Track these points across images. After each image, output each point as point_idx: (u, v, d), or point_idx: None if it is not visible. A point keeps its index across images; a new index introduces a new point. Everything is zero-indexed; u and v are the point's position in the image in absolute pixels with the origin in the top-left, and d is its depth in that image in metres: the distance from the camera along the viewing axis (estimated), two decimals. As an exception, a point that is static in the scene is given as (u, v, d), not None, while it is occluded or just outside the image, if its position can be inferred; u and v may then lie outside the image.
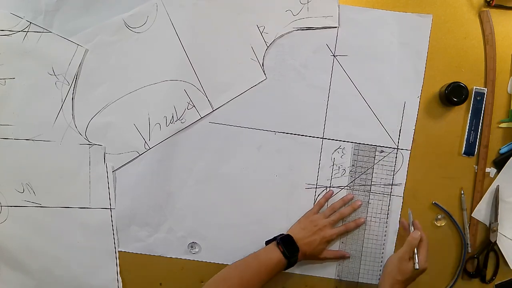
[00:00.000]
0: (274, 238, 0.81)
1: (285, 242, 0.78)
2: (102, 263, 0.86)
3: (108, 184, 0.84)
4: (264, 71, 0.84)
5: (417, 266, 0.73)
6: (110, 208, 0.85)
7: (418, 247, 0.75)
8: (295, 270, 0.87)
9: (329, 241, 0.83)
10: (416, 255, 0.74)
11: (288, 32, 0.84)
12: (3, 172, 0.84)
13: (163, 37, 0.83)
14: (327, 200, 0.85)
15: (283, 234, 0.82)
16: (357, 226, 0.85)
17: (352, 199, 0.85)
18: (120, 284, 0.86)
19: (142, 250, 0.87)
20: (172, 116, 0.84)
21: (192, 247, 0.87)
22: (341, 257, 0.86)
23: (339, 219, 0.84)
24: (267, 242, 0.82)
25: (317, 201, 0.85)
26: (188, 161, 0.85)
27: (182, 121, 0.84)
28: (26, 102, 0.83)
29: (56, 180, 0.84)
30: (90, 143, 0.84)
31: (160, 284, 0.88)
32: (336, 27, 0.83)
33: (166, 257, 0.87)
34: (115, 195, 0.85)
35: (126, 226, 0.86)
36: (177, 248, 0.87)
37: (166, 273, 0.88)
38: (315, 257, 0.82)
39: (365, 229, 0.86)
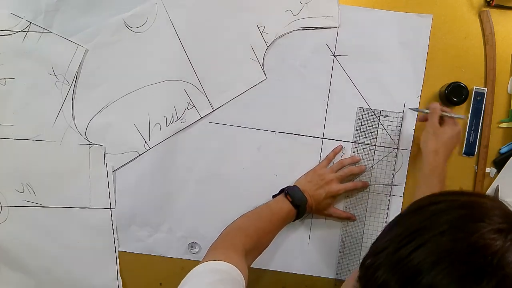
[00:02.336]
0: (281, 191, 0.81)
1: (293, 192, 0.78)
2: (102, 263, 0.86)
3: (108, 184, 0.84)
4: (264, 71, 0.84)
5: (455, 115, 0.76)
6: (110, 208, 0.85)
7: (442, 110, 0.77)
8: (294, 270, 0.87)
9: (335, 196, 0.82)
10: (445, 112, 0.76)
11: (288, 32, 0.84)
12: (3, 172, 0.84)
13: (163, 37, 0.83)
14: (335, 155, 0.85)
15: (290, 186, 0.82)
16: (365, 186, 0.84)
17: (359, 161, 0.85)
18: (120, 284, 0.86)
19: (142, 250, 0.87)
20: (172, 116, 0.84)
21: (192, 247, 0.87)
22: (347, 218, 0.85)
23: (347, 175, 0.83)
24: (274, 197, 0.82)
25: (326, 156, 0.85)
26: (188, 161, 0.85)
27: (182, 121, 0.84)
28: (26, 102, 0.83)
29: (56, 180, 0.84)
30: (90, 143, 0.84)
31: (160, 284, 0.88)
32: (336, 27, 0.83)
33: (166, 257, 0.87)
34: (115, 195, 0.85)
35: (126, 226, 0.86)
36: (177, 248, 0.87)
37: (166, 273, 0.88)
38: (321, 212, 0.82)
39: (364, 228, 0.86)
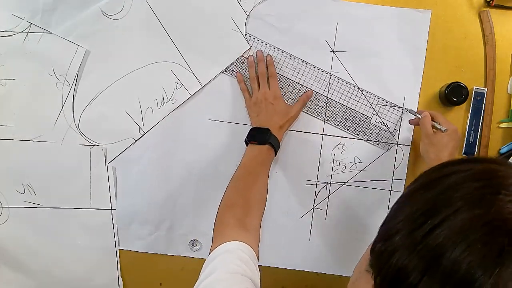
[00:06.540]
0: (245, 142, 0.80)
1: (252, 135, 0.78)
2: (102, 263, 0.86)
3: (109, 184, 0.84)
4: (247, 40, 0.84)
5: (443, 128, 0.75)
6: (111, 208, 0.85)
7: (433, 119, 0.77)
8: (295, 266, 0.87)
9: (279, 95, 0.82)
10: (435, 123, 0.76)
11: None
12: (4, 172, 0.84)
13: (142, 20, 0.82)
14: (243, 82, 0.84)
15: (247, 136, 0.81)
16: (272, 64, 0.83)
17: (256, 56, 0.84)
18: (121, 284, 0.86)
19: (143, 248, 0.87)
20: (163, 98, 0.83)
21: (193, 244, 0.87)
22: (307, 97, 0.84)
23: (265, 79, 0.82)
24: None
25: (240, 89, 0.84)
26: (188, 158, 0.85)
27: (173, 101, 0.83)
28: (27, 103, 0.82)
29: (57, 180, 0.84)
30: (91, 144, 0.83)
31: (160, 284, 0.88)
32: None
33: (166, 256, 0.88)
34: (115, 195, 0.85)
35: (126, 225, 0.86)
36: (178, 245, 0.87)
37: (166, 273, 0.88)
38: (292, 116, 0.82)
39: (365, 225, 0.86)
